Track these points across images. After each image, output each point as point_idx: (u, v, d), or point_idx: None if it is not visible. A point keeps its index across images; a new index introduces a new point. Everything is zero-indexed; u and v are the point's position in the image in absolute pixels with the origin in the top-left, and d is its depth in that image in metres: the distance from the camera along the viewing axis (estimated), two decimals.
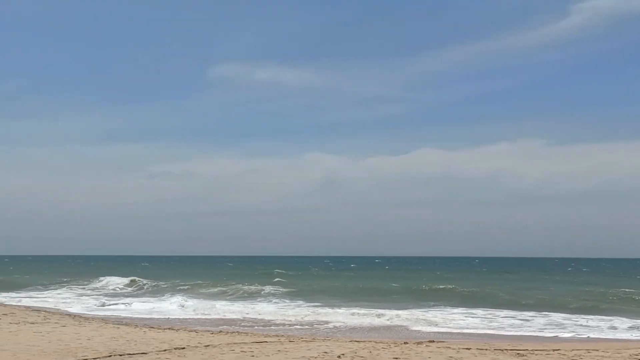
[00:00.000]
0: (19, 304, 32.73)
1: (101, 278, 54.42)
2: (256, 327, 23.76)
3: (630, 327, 24.45)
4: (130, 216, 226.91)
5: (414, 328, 24.15)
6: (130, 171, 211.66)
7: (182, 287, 45.48)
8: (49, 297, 38.50)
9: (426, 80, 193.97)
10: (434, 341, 18.38)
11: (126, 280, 52.01)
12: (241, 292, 41.80)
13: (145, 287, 48.25)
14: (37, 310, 28.22)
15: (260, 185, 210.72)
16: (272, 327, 23.94)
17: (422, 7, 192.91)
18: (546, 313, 29.91)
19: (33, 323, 20.58)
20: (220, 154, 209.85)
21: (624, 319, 27.04)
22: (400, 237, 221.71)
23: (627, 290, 42.07)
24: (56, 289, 46.43)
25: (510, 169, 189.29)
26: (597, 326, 25.17)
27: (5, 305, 29.67)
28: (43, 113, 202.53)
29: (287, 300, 36.03)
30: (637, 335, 22.35)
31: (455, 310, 30.85)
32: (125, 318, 26.70)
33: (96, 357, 13.21)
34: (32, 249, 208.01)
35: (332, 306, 31.46)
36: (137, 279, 52.47)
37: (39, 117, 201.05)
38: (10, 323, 20.18)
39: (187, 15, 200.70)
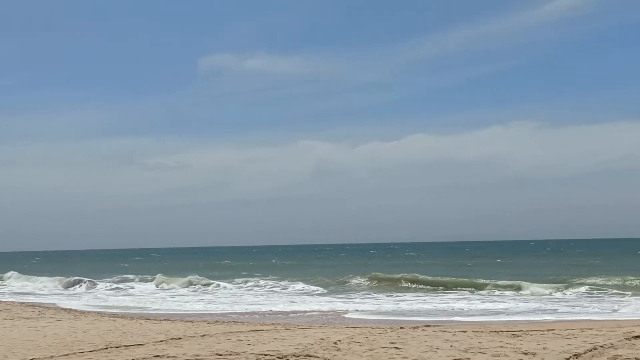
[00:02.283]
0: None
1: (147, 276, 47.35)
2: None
3: (624, 305, 24.64)
4: (126, 208, 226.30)
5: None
6: (126, 164, 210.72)
7: (252, 281, 42.17)
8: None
9: (417, 67, 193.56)
10: (429, 325, 18.44)
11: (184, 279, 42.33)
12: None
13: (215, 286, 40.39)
14: (32, 305, 28.16)
15: (256, 175, 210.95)
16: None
17: None
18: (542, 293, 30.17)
19: (28, 318, 20.53)
20: (214, 145, 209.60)
21: (617, 298, 27.29)
22: (396, 223, 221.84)
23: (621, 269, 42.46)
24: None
25: (504, 153, 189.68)
26: (591, 305, 25.40)
27: None
28: (37, 109, 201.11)
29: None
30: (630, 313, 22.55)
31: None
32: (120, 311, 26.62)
33: (92, 349, 13.19)
34: (26, 245, 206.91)
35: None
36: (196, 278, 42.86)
37: (33, 114, 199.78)
38: (5, 319, 20.12)
39: (176, 8, 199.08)
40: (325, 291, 35.65)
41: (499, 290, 32.57)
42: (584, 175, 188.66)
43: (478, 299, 29.00)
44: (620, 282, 33.84)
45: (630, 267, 46.28)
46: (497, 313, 24.04)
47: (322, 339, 14.53)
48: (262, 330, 16.81)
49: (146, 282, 44.81)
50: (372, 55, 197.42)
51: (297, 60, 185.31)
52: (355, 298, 31.34)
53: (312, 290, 36.12)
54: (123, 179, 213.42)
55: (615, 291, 30.83)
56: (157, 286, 41.51)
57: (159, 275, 45.16)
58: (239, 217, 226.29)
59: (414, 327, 17.39)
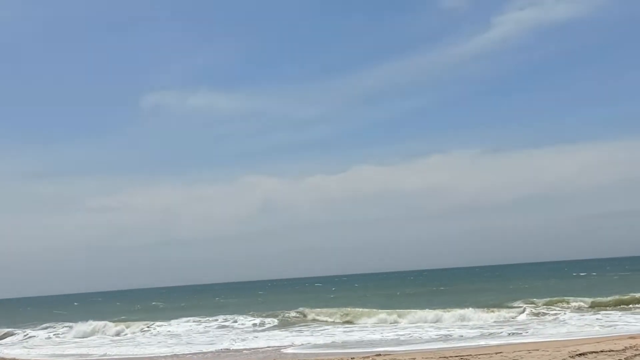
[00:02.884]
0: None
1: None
2: None
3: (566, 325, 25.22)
4: (71, 253, 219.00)
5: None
6: (67, 207, 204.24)
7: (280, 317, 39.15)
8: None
9: (357, 99, 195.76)
10: (380, 354, 18.38)
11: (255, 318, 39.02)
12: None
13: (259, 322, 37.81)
14: None
15: (201, 213, 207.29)
16: None
17: (349, 26, 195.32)
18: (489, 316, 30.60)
19: None
20: (158, 185, 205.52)
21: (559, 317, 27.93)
22: (344, 255, 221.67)
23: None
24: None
25: (446, 181, 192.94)
26: (536, 327, 25.89)
27: None
28: None
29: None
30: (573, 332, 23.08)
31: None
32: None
33: None
34: None
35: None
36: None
37: None
38: None
39: (117, 44, 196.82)
40: (265, 327, 35.07)
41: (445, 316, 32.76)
42: (523, 199, 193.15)
43: (429, 327, 29.15)
44: (561, 304, 34.70)
45: (568, 288, 47.61)
46: (446, 340, 24.14)
47: None
48: None
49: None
50: (313, 89, 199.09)
51: (239, 96, 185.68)
52: (297, 332, 30.90)
53: (249, 327, 35.46)
54: (67, 221, 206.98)
55: (556, 312, 31.57)
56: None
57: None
58: (185, 256, 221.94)
59: (365, 357, 17.30)
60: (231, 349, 25.43)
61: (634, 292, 35.32)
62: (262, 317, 38.52)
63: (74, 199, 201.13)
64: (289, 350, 23.48)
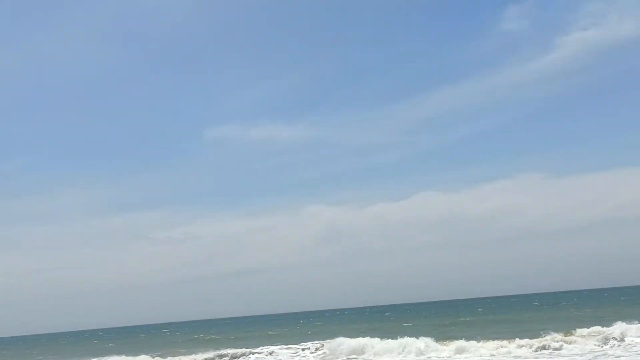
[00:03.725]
0: None
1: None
2: None
3: None
4: (139, 285, 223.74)
5: None
6: (134, 240, 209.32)
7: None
8: None
9: (419, 125, 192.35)
10: None
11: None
12: None
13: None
14: None
15: (264, 243, 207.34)
16: None
17: (408, 52, 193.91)
18: None
19: None
20: (221, 215, 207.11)
21: None
22: (410, 282, 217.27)
23: None
24: None
25: (510, 206, 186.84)
26: None
27: None
28: (43, 190, 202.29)
29: None
30: None
31: None
32: None
33: None
34: (32, 329, 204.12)
35: None
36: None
37: (40, 195, 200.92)
38: None
39: (179, 80, 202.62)
40: None
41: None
42: (592, 224, 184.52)
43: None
44: None
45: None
46: None
47: None
48: None
49: None
50: (374, 117, 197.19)
51: (299, 126, 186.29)
52: None
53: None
54: (134, 254, 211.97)
55: None
56: None
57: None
58: (248, 287, 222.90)
59: None
60: None
61: None
62: None
63: (140, 231, 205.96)
64: None
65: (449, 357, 30.24)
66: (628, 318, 34.64)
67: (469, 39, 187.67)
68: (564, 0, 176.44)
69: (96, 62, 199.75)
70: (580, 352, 28.02)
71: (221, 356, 38.33)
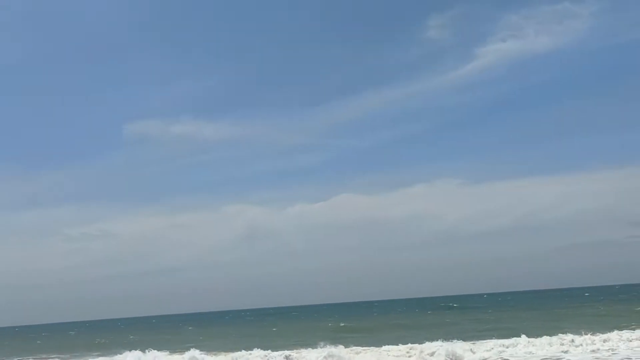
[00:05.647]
0: None
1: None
2: None
3: None
4: (52, 282, 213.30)
5: None
6: (48, 236, 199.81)
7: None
8: None
9: (341, 128, 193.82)
10: None
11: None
12: None
13: None
14: None
15: (184, 242, 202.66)
16: None
17: (333, 57, 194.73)
18: None
19: None
20: (140, 212, 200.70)
21: None
22: (327, 283, 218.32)
23: None
24: None
25: (428, 210, 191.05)
26: None
27: None
28: None
29: None
30: None
31: None
32: None
33: None
34: None
35: None
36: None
37: None
38: None
39: (100, 74, 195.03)
40: None
41: None
42: (507, 228, 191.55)
43: None
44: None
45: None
46: None
47: None
48: None
49: None
50: (297, 118, 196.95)
51: (222, 124, 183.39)
52: None
53: None
54: (46, 251, 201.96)
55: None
56: None
57: None
58: (166, 285, 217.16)
59: None
60: None
61: None
62: None
63: (53, 227, 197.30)
64: None
65: None
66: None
67: (392, 45, 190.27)
68: (485, 11, 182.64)
69: (10, 52, 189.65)
70: None
71: None
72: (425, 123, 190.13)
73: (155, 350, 38.25)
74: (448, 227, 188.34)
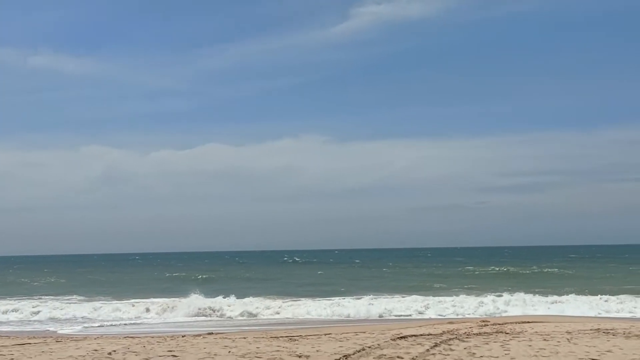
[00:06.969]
0: None
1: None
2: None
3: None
4: None
5: None
6: None
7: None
8: None
9: (214, 76, 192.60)
10: (212, 333, 18.39)
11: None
12: None
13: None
14: None
15: (36, 180, 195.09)
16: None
17: (212, 2, 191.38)
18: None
19: None
20: None
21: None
22: (188, 231, 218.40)
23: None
24: None
25: (293, 165, 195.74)
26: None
27: None
28: None
29: None
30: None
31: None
32: None
33: None
34: None
35: None
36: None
37: None
38: None
39: None
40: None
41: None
42: (368, 187, 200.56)
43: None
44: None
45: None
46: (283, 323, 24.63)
47: (95, 350, 13.82)
48: (30, 344, 15.56)
49: None
50: (168, 61, 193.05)
51: (87, 60, 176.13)
52: None
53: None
54: None
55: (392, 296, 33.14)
56: None
57: None
58: (15, 226, 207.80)
59: (196, 336, 17.22)
60: None
61: None
62: None
63: None
64: None
65: None
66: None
67: None
68: None
69: None
70: None
71: None
72: (298, 78, 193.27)
73: None
74: (313, 183, 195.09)
